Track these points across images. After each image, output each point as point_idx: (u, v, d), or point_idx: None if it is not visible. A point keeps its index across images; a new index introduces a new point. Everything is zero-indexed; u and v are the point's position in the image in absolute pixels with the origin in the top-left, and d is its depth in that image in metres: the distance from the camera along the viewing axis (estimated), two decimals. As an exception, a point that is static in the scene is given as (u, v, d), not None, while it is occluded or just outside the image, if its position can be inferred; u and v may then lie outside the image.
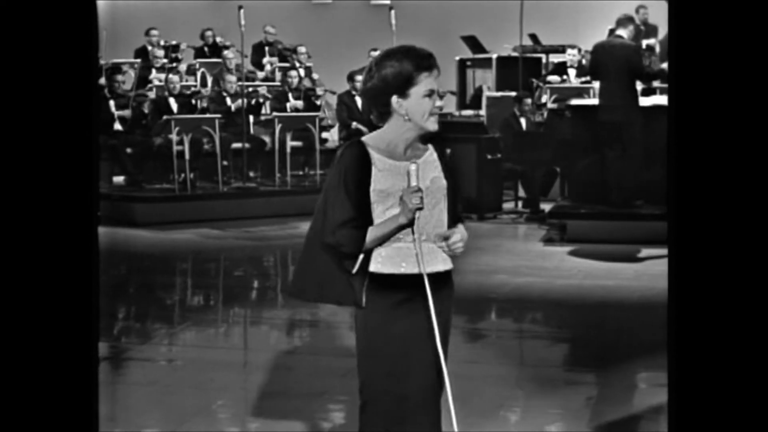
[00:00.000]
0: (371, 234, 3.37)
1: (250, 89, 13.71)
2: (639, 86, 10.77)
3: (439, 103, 3.44)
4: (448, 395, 3.34)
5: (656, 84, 11.69)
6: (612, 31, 11.25)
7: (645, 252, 9.67)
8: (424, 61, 3.37)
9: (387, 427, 3.45)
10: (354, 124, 13.58)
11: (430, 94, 3.38)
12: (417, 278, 3.38)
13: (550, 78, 14.36)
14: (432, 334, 3.37)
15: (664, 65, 12.75)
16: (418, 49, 3.40)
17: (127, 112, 12.67)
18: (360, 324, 3.48)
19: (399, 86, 3.36)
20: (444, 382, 3.39)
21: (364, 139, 3.49)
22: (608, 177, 10.54)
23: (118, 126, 12.66)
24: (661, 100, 10.82)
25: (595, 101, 11.57)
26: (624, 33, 10.63)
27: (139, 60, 14.77)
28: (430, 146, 3.49)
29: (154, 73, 14.33)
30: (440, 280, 3.44)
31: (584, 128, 11.11)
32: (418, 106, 3.37)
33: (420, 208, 3.29)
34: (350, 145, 3.46)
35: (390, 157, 3.40)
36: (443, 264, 3.46)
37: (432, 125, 3.42)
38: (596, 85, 12.48)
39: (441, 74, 3.43)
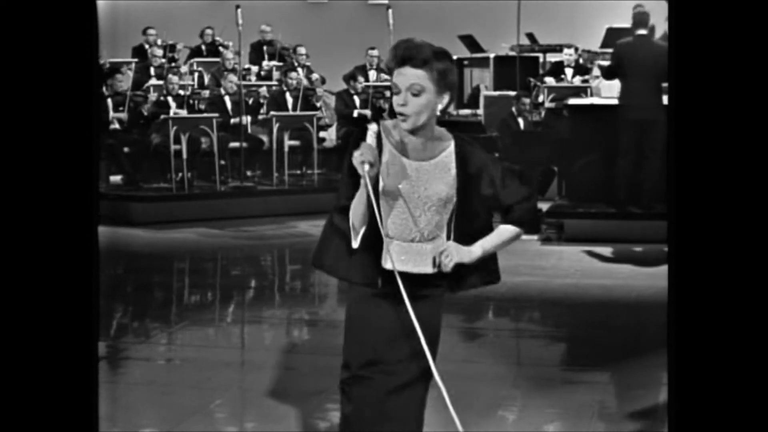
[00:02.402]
0: (352, 205, 3.35)
1: (250, 88, 13.72)
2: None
3: (400, 102, 3.27)
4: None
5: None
6: (613, 30, 11.20)
7: (642, 251, 9.69)
8: (394, 53, 3.27)
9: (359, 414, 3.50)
10: (356, 112, 13.59)
11: (396, 91, 3.29)
12: (389, 274, 3.37)
13: (548, 77, 14.37)
14: (391, 332, 3.39)
15: None
16: (405, 41, 3.29)
17: (123, 115, 12.65)
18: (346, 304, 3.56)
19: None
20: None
21: (384, 122, 3.43)
22: (618, 178, 10.48)
23: (115, 125, 12.65)
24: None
25: (592, 100, 11.57)
26: (645, 31, 10.56)
27: (136, 60, 14.77)
28: (449, 149, 3.41)
29: (152, 72, 14.33)
30: (414, 281, 3.39)
31: (582, 127, 11.11)
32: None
33: (364, 162, 3.17)
34: (362, 128, 3.44)
35: (400, 152, 3.37)
36: (417, 266, 3.42)
37: (401, 121, 3.31)
38: (594, 83, 12.49)
39: (430, 71, 3.24)
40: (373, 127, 3.29)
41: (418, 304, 3.39)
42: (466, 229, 3.43)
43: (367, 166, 3.18)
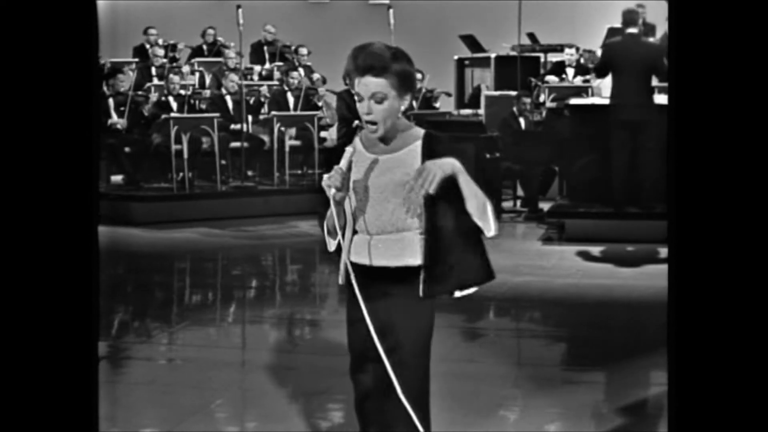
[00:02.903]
0: (326, 217, 3.46)
1: (252, 88, 13.72)
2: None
3: (364, 110, 3.34)
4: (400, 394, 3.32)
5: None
6: (614, 30, 11.18)
7: (643, 250, 9.69)
8: (355, 63, 3.32)
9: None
10: (356, 122, 13.62)
11: (359, 99, 3.36)
12: (364, 269, 3.43)
13: (549, 77, 14.36)
14: (365, 327, 3.38)
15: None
16: (363, 48, 3.33)
17: (123, 121, 12.61)
18: None
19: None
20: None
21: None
22: (614, 179, 10.48)
23: (116, 119, 12.63)
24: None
25: (593, 100, 11.55)
26: (636, 30, 10.56)
27: (137, 60, 14.78)
28: (417, 143, 3.42)
29: (154, 72, 14.33)
30: (387, 275, 3.42)
31: (583, 127, 11.10)
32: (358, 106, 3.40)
33: (330, 186, 3.29)
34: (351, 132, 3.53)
35: (368, 149, 3.45)
36: (388, 259, 3.44)
37: (369, 131, 3.39)
38: (595, 83, 12.48)
39: (390, 78, 3.30)
40: (349, 149, 3.36)
41: (395, 300, 3.41)
42: (435, 221, 3.40)
43: (333, 190, 3.32)
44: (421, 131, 3.46)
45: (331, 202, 3.36)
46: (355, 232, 3.50)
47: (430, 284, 3.40)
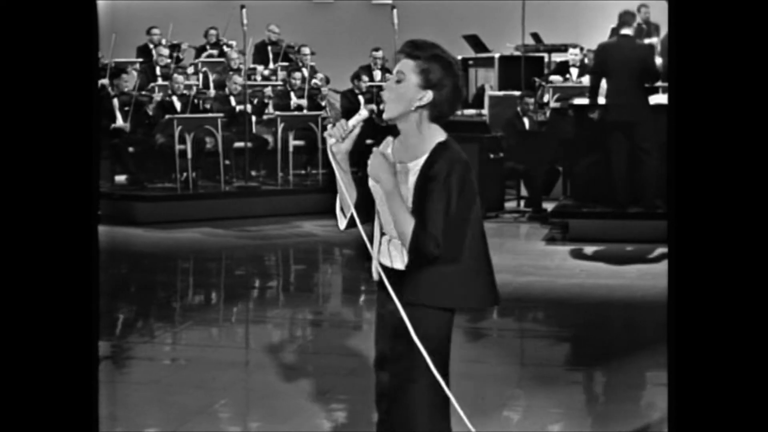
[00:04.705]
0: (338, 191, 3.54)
1: (255, 88, 13.72)
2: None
3: (385, 86, 3.50)
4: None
5: (658, 83, 11.61)
6: (615, 30, 11.18)
7: (647, 251, 9.68)
8: (402, 47, 3.47)
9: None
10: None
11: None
12: (386, 270, 3.48)
13: (553, 77, 14.35)
14: (386, 326, 3.51)
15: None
16: (412, 39, 3.46)
17: (125, 125, 12.56)
18: None
19: None
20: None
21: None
22: (615, 179, 10.47)
23: (120, 124, 12.64)
24: (665, 99, 10.77)
25: (598, 100, 11.53)
26: (630, 31, 10.57)
27: (141, 60, 14.78)
28: (426, 155, 3.39)
29: (158, 72, 14.33)
30: (396, 277, 3.44)
31: (587, 127, 11.09)
32: None
33: (331, 136, 3.39)
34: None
35: (394, 153, 3.49)
36: (398, 263, 3.47)
37: (384, 113, 3.48)
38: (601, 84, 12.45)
39: (417, 64, 3.39)
40: (363, 113, 3.42)
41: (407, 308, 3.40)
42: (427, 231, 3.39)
43: (332, 140, 3.39)
44: (437, 141, 3.41)
45: (335, 168, 3.41)
46: (383, 233, 3.53)
47: (410, 291, 3.41)
